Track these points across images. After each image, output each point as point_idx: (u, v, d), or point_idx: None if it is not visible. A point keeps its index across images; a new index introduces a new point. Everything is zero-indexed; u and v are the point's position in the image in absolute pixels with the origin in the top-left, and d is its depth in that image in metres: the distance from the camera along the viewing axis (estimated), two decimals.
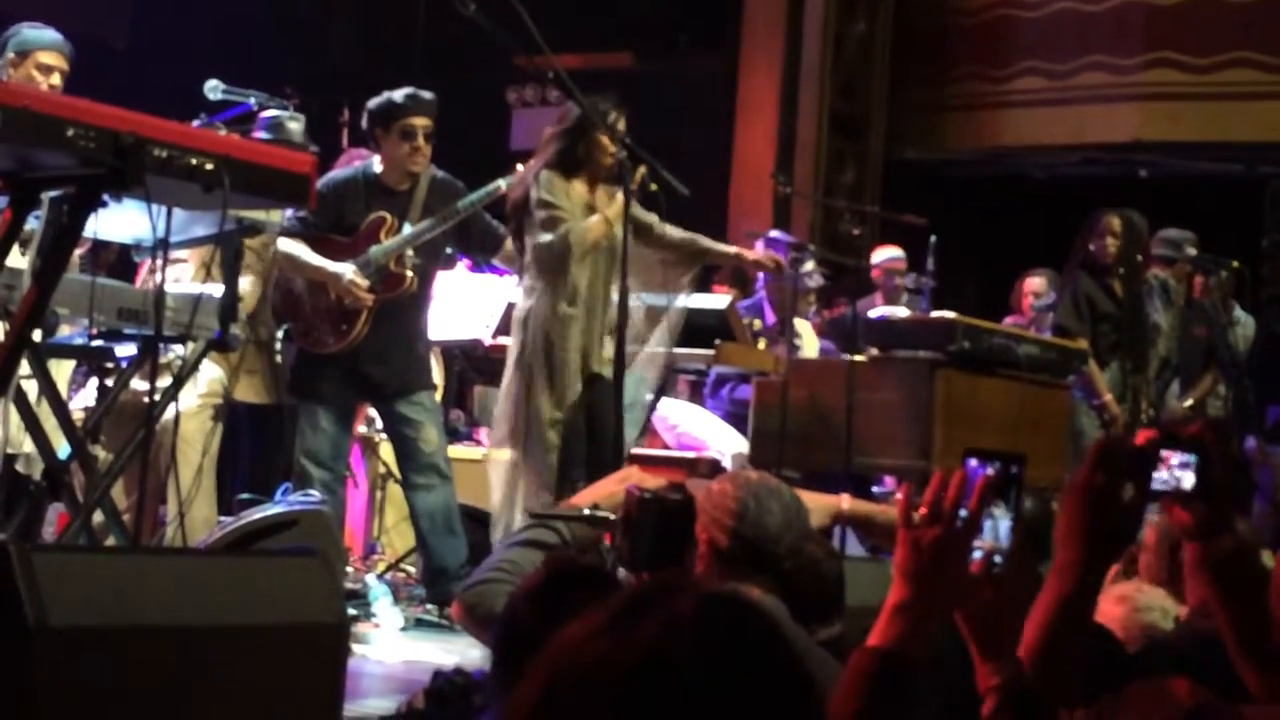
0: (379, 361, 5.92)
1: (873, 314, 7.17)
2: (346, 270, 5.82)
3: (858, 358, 6.21)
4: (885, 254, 8.70)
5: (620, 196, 5.47)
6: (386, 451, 7.13)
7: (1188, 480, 1.88)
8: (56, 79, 5.32)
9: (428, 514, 5.94)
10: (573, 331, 5.58)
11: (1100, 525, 1.82)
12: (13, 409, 4.33)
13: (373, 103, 5.98)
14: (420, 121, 5.90)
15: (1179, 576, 3.91)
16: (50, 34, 5.42)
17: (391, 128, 5.89)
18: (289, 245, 5.85)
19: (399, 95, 5.92)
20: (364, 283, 5.83)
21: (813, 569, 3.03)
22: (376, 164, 6.02)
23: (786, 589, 2.87)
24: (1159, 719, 1.55)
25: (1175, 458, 1.87)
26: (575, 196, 5.64)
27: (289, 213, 5.72)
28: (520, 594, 2.54)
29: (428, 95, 5.97)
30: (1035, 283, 8.53)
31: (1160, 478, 1.87)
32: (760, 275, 7.75)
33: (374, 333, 5.89)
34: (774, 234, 7.88)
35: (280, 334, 6.04)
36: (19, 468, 5.04)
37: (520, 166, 5.91)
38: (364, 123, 6.03)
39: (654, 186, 5.45)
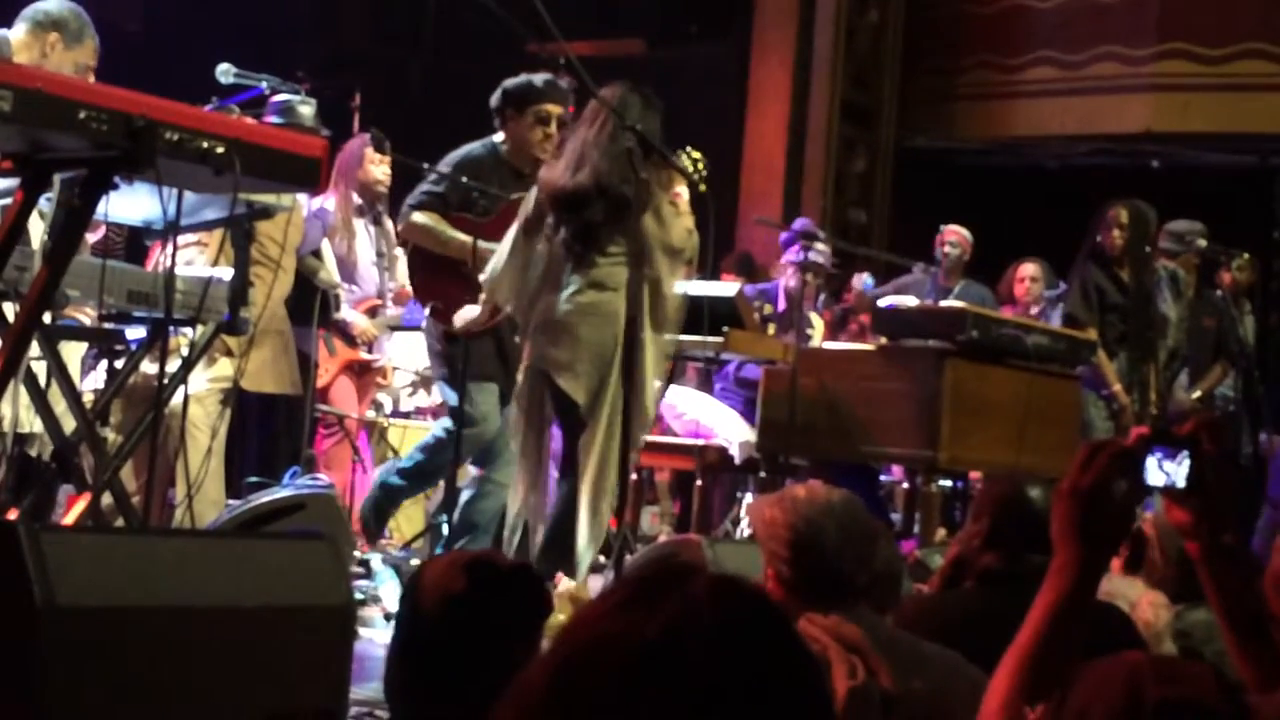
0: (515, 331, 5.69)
1: (882, 303, 7.17)
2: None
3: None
4: (949, 227, 8.69)
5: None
6: (394, 435, 7.14)
7: (1180, 477, 1.89)
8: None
9: (490, 512, 5.74)
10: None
11: (1093, 523, 1.84)
12: (22, 390, 4.34)
13: (510, 83, 5.81)
14: (556, 109, 5.77)
15: (1182, 574, 3.91)
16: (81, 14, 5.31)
17: (527, 111, 5.74)
18: (427, 219, 5.74)
19: (538, 79, 5.78)
20: None
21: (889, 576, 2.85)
22: (501, 144, 5.84)
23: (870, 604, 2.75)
24: (1107, 695, 1.55)
25: (1161, 453, 1.88)
26: None
27: (421, 187, 5.74)
28: (437, 593, 2.37)
29: (564, 82, 5.81)
30: (1030, 268, 8.50)
31: (1151, 472, 1.88)
32: (785, 262, 7.79)
33: None
34: (799, 224, 7.99)
35: (426, 312, 5.95)
36: (30, 450, 5.05)
37: None
38: (494, 101, 5.81)
39: None
